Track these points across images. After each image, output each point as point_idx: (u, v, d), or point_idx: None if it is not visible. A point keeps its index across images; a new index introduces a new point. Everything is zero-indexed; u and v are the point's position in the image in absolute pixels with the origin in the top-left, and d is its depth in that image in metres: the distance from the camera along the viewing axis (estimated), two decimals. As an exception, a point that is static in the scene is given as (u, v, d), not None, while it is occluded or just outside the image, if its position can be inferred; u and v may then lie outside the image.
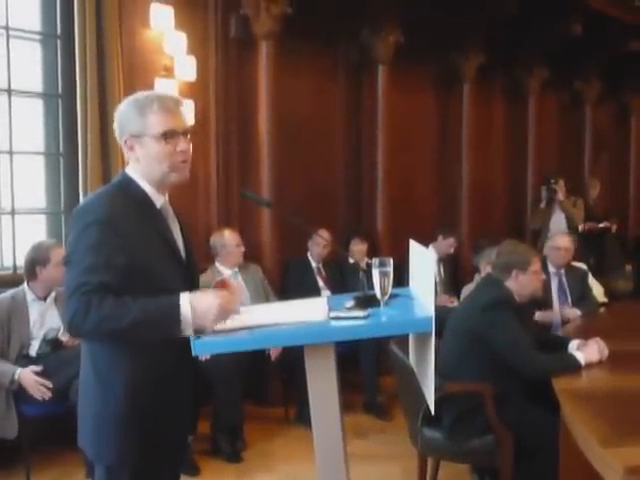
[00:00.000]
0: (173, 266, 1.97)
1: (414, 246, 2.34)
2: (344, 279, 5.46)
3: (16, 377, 3.56)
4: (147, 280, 1.86)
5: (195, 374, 2.12)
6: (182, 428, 2.09)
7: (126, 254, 1.83)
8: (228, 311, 1.85)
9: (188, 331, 1.81)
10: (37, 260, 3.80)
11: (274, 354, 4.55)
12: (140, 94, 2.01)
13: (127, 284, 1.81)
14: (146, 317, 1.77)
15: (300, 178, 5.74)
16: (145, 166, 1.96)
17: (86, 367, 1.98)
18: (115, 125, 2.01)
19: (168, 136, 1.93)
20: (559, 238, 5.00)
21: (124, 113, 1.98)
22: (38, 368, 3.61)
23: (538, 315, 4.49)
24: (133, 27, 4.71)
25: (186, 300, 1.80)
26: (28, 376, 3.57)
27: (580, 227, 7.32)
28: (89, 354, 1.96)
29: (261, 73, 5.27)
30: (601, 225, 7.60)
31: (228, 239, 4.77)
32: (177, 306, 1.79)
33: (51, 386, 3.56)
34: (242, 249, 4.81)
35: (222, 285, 1.98)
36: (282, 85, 5.38)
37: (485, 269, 4.68)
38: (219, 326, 1.91)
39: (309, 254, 5.45)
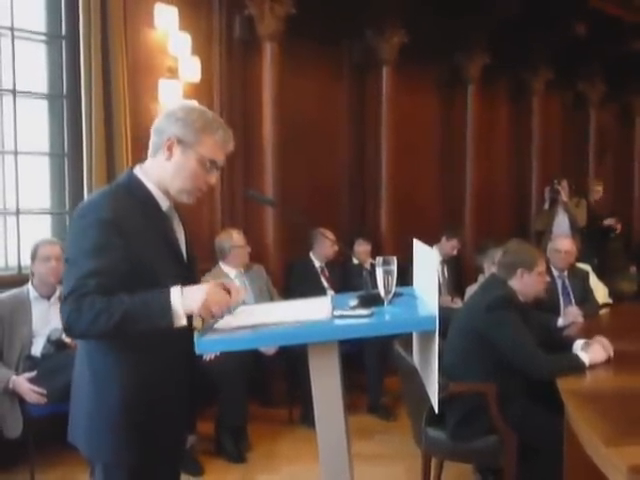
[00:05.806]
0: (175, 267, 1.97)
1: (418, 245, 2.33)
2: (348, 279, 5.46)
3: (10, 385, 3.60)
4: (148, 280, 1.85)
5: (194, 374, 2.12)
6: (179, 428, 2.09)
7: (129, 253, 1.82)
8: (217, 297, 1.82)
9: (181, 320, 1.79)
10: (31, 257, 3.87)
11: (269, 350, 4.44)
12: (208, 112, 2.01)
13: (128, 284, 1.80)
14: (137, 307, 1.77)
15: (304, 178, 5.74)
16: (170, 171, 1.96)
17: (82, 364, 1.98)
18: (162, 119, 1.98)
19: (210, 164, 1.97)
20: (560, 241, 5.00)
21: (184, 116, 1.95)
22: (32, 374, 3.64)
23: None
24: (137, 27, 4.73)
25: (177, 289, 1.80)
26: (22, 384, 3.60)
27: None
28: (85, 351, 1.96)
29: (265, 74, 5.28)
30: (606, 222, 7.58)
31: (236, 240, 4.77)
32: (167, 293, 1.79)
33: (45, 392, 3.58)
34: (248, 249, 4.83)
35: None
36: (286, 86, 5.38)
37: (489, 269, 4.67)
38: (223, 323, 1.91)
39: (312, 254, 5.44)
